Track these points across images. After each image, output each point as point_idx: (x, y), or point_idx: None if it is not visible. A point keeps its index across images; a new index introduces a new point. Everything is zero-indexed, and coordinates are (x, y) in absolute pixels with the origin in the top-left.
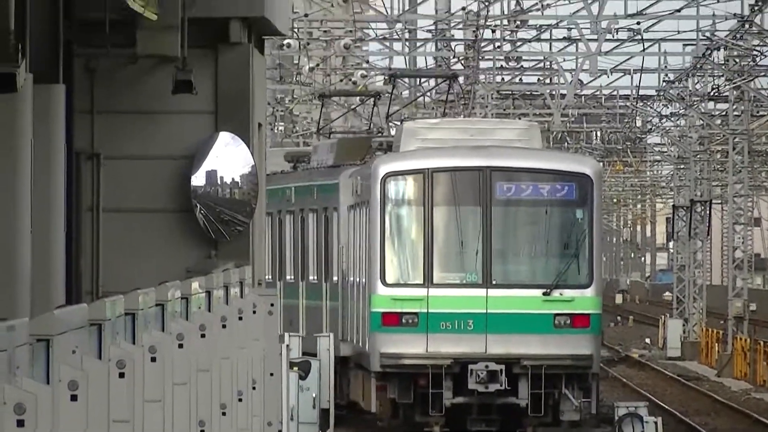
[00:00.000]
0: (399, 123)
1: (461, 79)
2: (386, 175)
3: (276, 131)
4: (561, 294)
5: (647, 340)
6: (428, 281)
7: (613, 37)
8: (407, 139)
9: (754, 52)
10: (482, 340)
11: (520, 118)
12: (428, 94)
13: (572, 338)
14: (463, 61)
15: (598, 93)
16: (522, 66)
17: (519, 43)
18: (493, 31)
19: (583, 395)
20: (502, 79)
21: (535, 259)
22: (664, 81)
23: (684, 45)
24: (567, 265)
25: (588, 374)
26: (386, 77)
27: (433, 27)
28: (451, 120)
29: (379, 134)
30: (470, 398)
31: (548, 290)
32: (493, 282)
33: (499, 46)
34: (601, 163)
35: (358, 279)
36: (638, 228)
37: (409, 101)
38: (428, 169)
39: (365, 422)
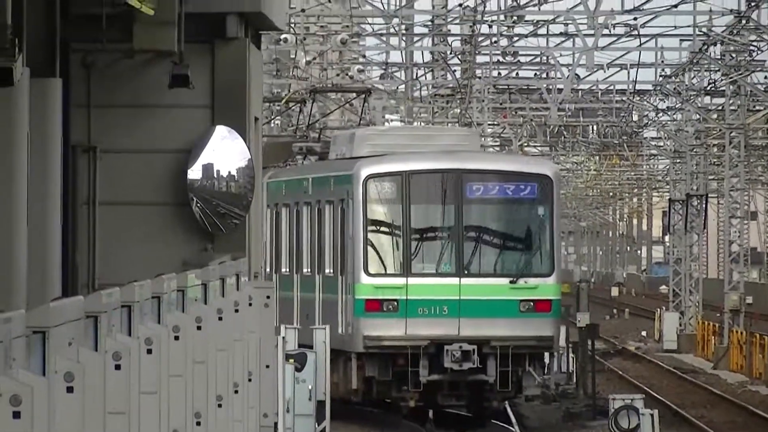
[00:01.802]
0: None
1: (458, 73)
2: (368, 177)
3: (272, 126)
4: (525, 282)
5: (643, 333)
6: (407, 271)
7: (610, 32)
8: (359, 145)
9: (751, 47)
10: (456, 324)
11: (516, 113)
12: (425, 87)
13: (536, 321)
14: (459, 56)
15: (594, 88)
16: (519, 61)
17: (516, 38)
18: (490, 26)
19: (544, 372)
20: (499, 73)
21: (503, 251)
22: (660, 76)
23: (681, 40)
24: (530, 256)
25: (549, 353)
26: (307, 92)
27: (429, 22)
28: (400, 127)
29: (302, 139)
30: (444, 376)
31: (514, 279)
32: (465, 272)
33: (495, 41)
34: (597, 157)
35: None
36: (634, 221)
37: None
38: (406, 171)
39: (360, 413)
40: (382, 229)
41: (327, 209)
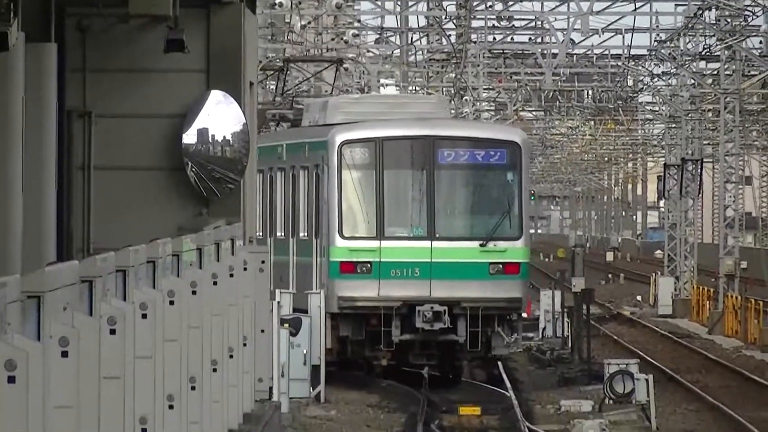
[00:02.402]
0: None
1: (453, 38)
2: (342, 143)
3: (267, 90)
4: (495, 245)
5: (638, 298)
6: (380, 234)
7: None
8: (333, 112)
9: (746, 12)
10: (427, 286)
11: (511, 77)
12: (420, 52)
13: (505, 283)
14: (454, 21)
15: (589, 52)
16: (513, 25)
17: (511, 3)
18: None
19: (511, 332)
20: (494, 38)
21: (473, 215)
22: (655, 40)
23: (675, 5)
24: (500, 220)
25: (517, 314)
26: (281, 61)
27: None
28: (371, 96)
29: (277, 107)
30: (416, 335)
31: (484, 242)
32: (437, 235)
33: (490, 6)
34: (593, 121)
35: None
36: (629, 186)
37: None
38: (379, 137)
39: (356, 378)
40: (356, 193)
41: (302, 175)
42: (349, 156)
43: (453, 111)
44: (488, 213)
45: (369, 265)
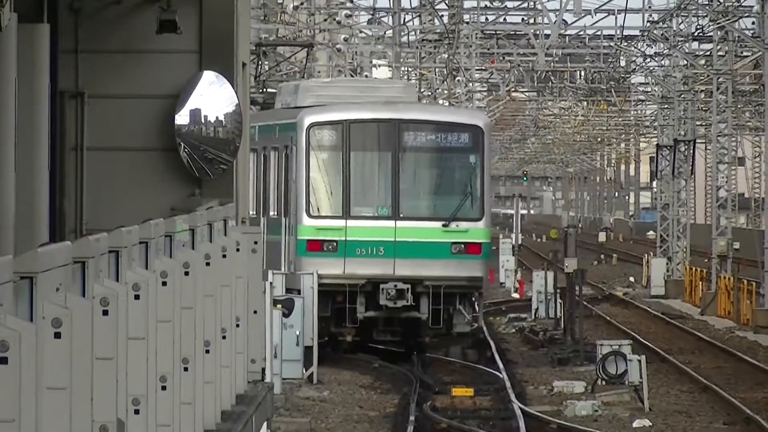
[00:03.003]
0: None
1: (445, 19)
2: (311, 125)
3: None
4: (457, 225)
5: (631, 279)
6: (346, 214)
7: None
8: (303, 95)
9: None
10: (391, 264)
11: (503, 58)
12: (412, 33)
13: (466, 263)
14: (447, 1)
15: (582, 33)
16: (506, 6)
17: None
18: None
19: (473, 310)
20: (486, 19)
21: (436, 196)
22: (648, 21)
23: None
24: (462, 202)
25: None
26: (254, 45)
27: None
28: (342, 80)
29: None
30: (380, 312)
31: (447, 222)
32: (401, 215)
33: None
34: (585, 102)
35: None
36: (622, 167)
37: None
38: (346, 120)
39: (349, 360)
40: (324, 174)
41: (272, 155)
42: (316, 137)
43: (435, 93)
44: (451, 194)
45: (335, 244)
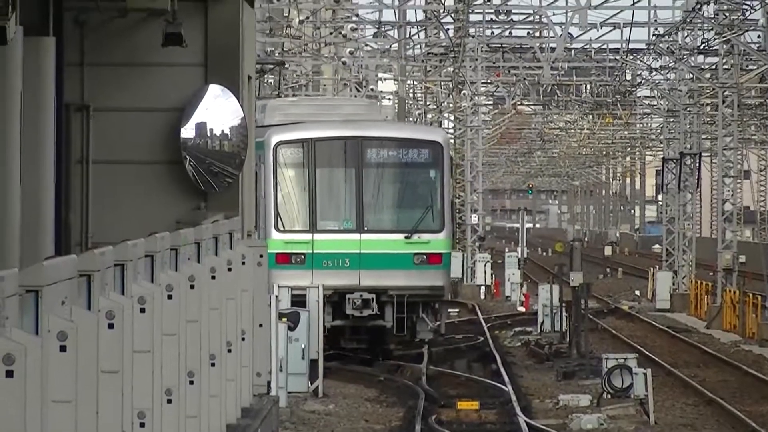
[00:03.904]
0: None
1: (451, 32)
2: (277, 143)
3: (266, 84)
4: (419, 237)
5: (637, 292)
6: (312, 228)
7: None
8: (271, 114)
9: (744, 6)
10: (357, 275)
11: (509, 72)
12: (418, 46)
13: (428, 273)
14: (453, 15)
15: (587, 46)
16: (512, 19)
17: None
18: None
19: (435, 318)
20: (492, 32)
21: (398, 209)
22: (653, 35)
23: None
24: (423, 214)
25: (439, 301)
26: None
27: None
28: (307, 98)
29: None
30: (347, 321)
31: (409, 234)
32: (365, 228)
33: (488, 0)
34: (591, 116)
35: None
36: (628, 180)
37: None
38: (311, 138)
39: (354, 373)
40: (291, 190)
41: None
42: (283, 155)
43: (440, 107)
44: (413, 207)
45: (303, 257)
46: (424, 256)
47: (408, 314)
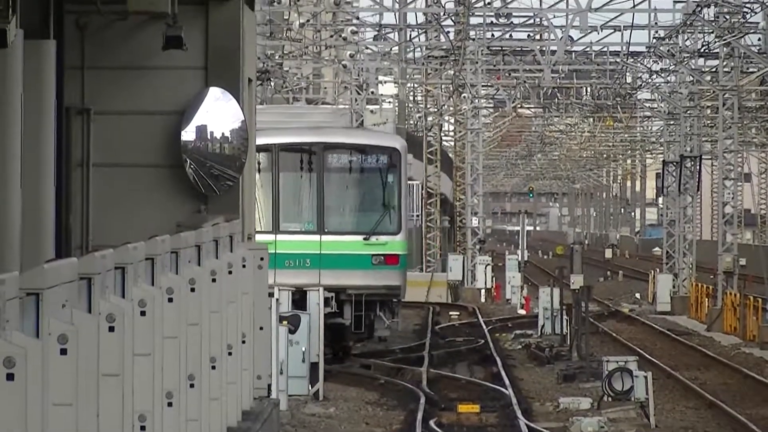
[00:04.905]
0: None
1: (451, 35)
2: None
3: (266, 87)
4: (377, 239)
5: (637, 295)
6: (276, 229)
7: None
8: None
9: (744, 9)
10: (317, 274)
11: (509, 74)
12: (418, 49)
13: (386, 273)
14: (453, 18)
15: (588, 49)
16: (512, 22)
17: (509, 0)
18: None
19: (392, 316)
20: (492, 35)
21: (357, 212)
22: (654, 37)
23: (674, 2)
24: (381, 217)
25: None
26: None
27: None
28: (274, 106)
29: None
30: None
31: (367, 236)
32: (326, 230)
33: (489, 3)
34: (591, 118)
35: None
36: (628, 183)
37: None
38: (276, 144)
39: (354, 376)
40: (256, 193)
41: None
42: None
43: (441, 110)
44: (371, 210)
45: None
46: (382, 257)
47: (366, 312)
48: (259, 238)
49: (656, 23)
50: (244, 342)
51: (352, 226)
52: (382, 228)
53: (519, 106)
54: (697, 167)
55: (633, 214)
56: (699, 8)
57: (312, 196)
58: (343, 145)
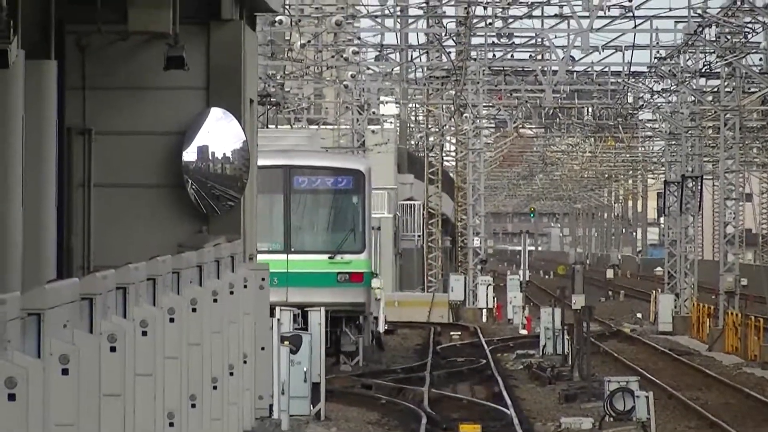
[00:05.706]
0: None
1: (453, 55)
2: None
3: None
4: (342, 258)
5: (638, 315)
6: None
7: (605, 14)
8: None
9: (746, 29)
10: (284, 292)
11: (511, 95)
12: (419, 69)
13: (350, 290)
14: (454, 38)
15: (589, 69)
16: (513, 42)
17: (510, 20)
18: (485, 8)
19: (358, 332)
20: (494, 55)
21: (323, 232)
22: (655, 57)
23: (676, 22)
24: (346, 237)
25: (362, 316)
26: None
27: (424, 3)
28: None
29: None
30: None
31: (332, 255)
32: (292, 249)
33: (490, 23)
34: (593, 138)
35: None
36: (630, 203)
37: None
38: None
39: (356, 396)
40: None
41: None
42: None
43: (442, 129)
44: (336, 230)
45: None
46: (347, 275)
47: (332, 329)
48: None
49: (657, 43)
50: (245, 362)
51: (318, 246)
52: (347, 247)
53: (520, 126)
54: (699, 187)
55: (634, 234)
56: (700, 28)
57: (279, 217)
58: (309, 167)
